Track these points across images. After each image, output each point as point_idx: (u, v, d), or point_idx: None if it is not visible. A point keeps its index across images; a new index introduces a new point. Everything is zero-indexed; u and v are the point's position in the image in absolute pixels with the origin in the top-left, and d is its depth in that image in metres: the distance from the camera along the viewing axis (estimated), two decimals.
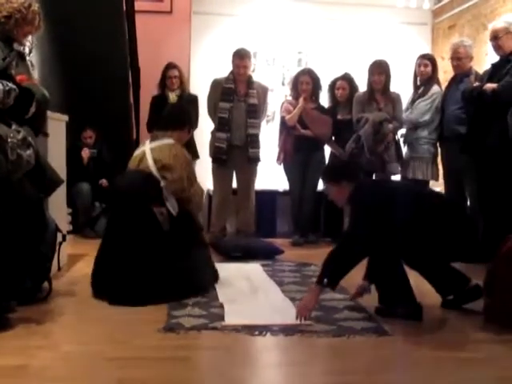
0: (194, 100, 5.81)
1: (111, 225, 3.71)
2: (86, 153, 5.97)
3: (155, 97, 5.84)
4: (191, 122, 4.13)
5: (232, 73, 5.42)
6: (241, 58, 5.33)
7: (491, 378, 2.36)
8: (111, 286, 3.41)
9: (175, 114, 3.96)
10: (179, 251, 3.52)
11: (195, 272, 3.57)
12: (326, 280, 3.02)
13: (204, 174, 5.97)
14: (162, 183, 3.54)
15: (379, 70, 5.27)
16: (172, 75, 5.73)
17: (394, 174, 5.31)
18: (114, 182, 4.11)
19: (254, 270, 4.35)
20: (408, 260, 3.13)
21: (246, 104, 5.36)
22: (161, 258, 3.42)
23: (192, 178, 3.74)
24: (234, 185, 5.59)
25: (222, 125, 5.36)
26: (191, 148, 5.82)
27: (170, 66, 5.77)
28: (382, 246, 3.02)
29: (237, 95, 5.38)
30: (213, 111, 5.48)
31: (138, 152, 3.78)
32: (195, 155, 5.87)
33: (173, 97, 5.74)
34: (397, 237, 3.00)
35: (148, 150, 3.65)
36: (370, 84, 5.32)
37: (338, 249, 3.09)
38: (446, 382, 2.29)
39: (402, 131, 5.43)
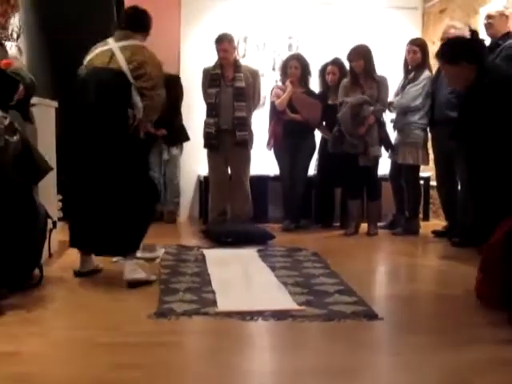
0: (175, 80, 5.80)
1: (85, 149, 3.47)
2: None
3: None
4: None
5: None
6: (219, 41, 5.28)
7: (479, 360, 2.36)
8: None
9: (139, 17, 3.64)
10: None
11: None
12: None
13: (197, 160, 5.99)
14: (133, 83, 3.36)
15: (356, 57, 5.22)
16: None
17: (377, 156, 5.32)
18: (77, 80, 3.52)
19: (248, 255, 4.35)
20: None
21: (233, 88, 5.31)
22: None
23: (160, 81, 3.53)
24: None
25: (210, 110, 5.35)
26: (182, 131, 5.93)
27: None
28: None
29: (224, 80, 5.33)
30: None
31: (103, 49, 3.47)
32: (186, 138, 5.99)
33: None
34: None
35: (117, 49, 3.41)
36: (352, 70, 5.30)
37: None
38: (438, 367, 2.29)
39: (392, 116, 5.43)
